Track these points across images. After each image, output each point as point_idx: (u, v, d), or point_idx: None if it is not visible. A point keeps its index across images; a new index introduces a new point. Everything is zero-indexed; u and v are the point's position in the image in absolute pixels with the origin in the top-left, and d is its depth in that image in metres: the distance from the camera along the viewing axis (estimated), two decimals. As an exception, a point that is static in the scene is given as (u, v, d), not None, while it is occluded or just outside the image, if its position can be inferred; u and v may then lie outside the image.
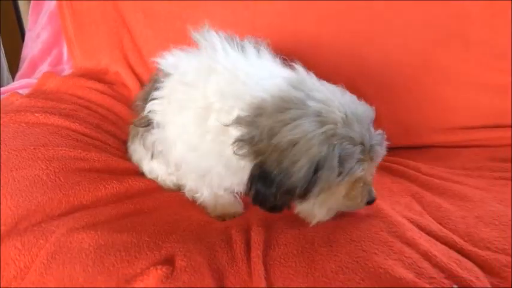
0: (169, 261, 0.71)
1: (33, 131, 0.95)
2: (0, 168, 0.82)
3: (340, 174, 0.73)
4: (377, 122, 1.31)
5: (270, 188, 0.73)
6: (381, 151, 0.80)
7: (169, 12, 1.44)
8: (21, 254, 0.72)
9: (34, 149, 0.89)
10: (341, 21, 1.35)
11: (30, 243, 0.73)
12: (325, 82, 0.82)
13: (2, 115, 0.97)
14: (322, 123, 0.72)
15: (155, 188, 1.02)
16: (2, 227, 0.72)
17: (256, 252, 0.72)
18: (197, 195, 0.94)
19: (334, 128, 0.72)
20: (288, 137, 0.71)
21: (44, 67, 1.48)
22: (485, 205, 0.90)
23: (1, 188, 0.77)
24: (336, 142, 0.72)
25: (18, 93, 1.13)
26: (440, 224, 0.84)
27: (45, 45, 1.49)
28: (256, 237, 0.77)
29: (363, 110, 0.78)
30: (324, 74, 0.85)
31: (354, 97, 0.80)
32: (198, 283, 0.66)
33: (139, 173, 1.05)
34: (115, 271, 0.70)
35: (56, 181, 0.85)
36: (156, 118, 0.91)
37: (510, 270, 0.70)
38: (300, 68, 0.83)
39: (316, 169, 0.71)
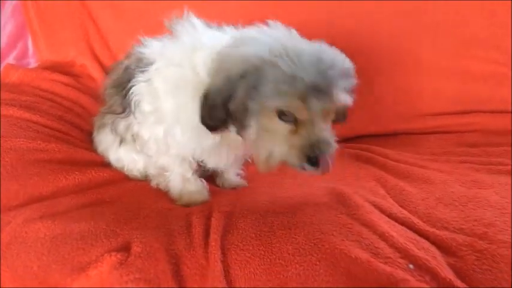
0: (125, 248, 0.70)
1: (-11, 123, 0.93)
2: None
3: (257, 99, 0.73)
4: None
5: (206, 107, 0.76)
6: (335, 97, 0.73)
7: (136, 3, 1.42)
8: (-25, 245, 0.70)
9: (-10, 140, 0.87)
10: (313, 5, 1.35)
11: (-16, 234, 0.71)
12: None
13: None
14: (257, 52, 0.74)
15: (120, 178, 1.01)
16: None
17: (214, 237, 0.71)
18: (166, 173, 0.94)
19: (263, 56, 0.73)
20: (227, 64, 0.76)
21: (10, 61, 1.45)
22: (447, 187, 0.91)
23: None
24: (260, 65, 0.72)
25: (-22, 85, 1.11)
26: (401, 206, 0.84)
27: (10, 38, 1.47)
28: (216, 222, 0.76)
29: (319, 53, 0.75)
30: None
31: (324, 48, 0.78)
32: (152, 268, 0.66)
33: (104, 164, 1.04)
34: (70, 259, 0.69)
35: (12, 172, 0.84)
36: (142, 101, 0.89)
37: (467, 249, 0.70)
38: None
39: (234, 87, 0.74)
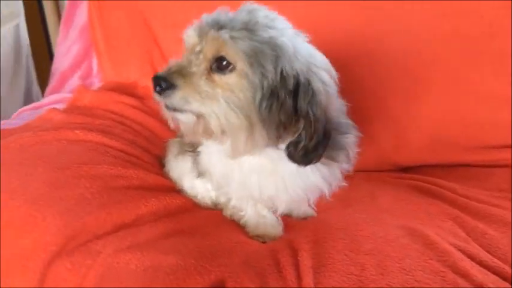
0: (219, 287, 0.70)
1: (74, 149, 0.96)
2: (47, 186, 0.81)
3: None
4: (403, 137, 1.33)
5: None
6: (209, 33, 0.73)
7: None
8: (71, 274, 0.71)
9: (77, 167, 0.89)
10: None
11: (79, 263, 0.73)
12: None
13: (43, 132, 0.97)
14: None
15: (192, 205, 1.01)
16: (53, 247, 0.72)
17: (307, 280, 0.71)
18: (241, 213, 0.94)
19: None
20: None
21: (74, 80, 1.49)
22: (530, 232, 0.89)
23: (50, 207, 0.77)
24: None
25: (56, 108, 1.14)
26: (488, 252, 0.82)
27: (75, 59, 1.51)
28: (304, 262, 0.76)
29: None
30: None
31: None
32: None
33: (175, 190, 1.05)
34: (166, 295, 0.69)
35: (99, 200, 0.85)
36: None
37: None
38: None
39: None
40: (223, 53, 0.71)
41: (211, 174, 0.92)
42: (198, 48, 0.73)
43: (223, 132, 0.74)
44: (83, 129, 1.05)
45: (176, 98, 0.72)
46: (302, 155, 0.75)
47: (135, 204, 0.90)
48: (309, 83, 0.72)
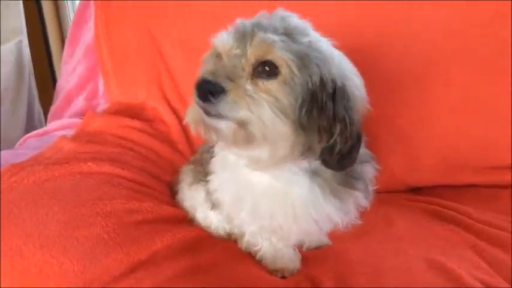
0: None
1: (88, 183, 0.93)
2: (63, 227, 0.79)
3: None
4: (414, 157, 1.31)
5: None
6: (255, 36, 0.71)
7: (207, 46, 1.42)
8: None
9: (92, 204, 0.86)
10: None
11: (100, 312, 0.70)
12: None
13: (55, 166, 0.95)
14: None
15: (207, 236, 0.99)
16: (73, 295, 0.70)
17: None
18: (256, 248, 0.92)
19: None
20: None
21: (79, 101, 1.46)
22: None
23: (67, 252, 0.74)
24: None
25: (65, 137, 1.11)
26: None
27: (81, 79, 1.48)
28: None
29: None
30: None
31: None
32: None
33: (187, 220, 1.03)
34: None
35: (116, 239, 0.83)
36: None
37: None
38: None
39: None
40: (269, 57, 0.69)
41: (221, 203, 0.90)
42: (237, 52, 0.71)
43: (265, 139, 0.70)
44: (95, 159, 1.03)
45: (225, 103, 0.67)
46: (338, 159, 0.74)
47: (151, 240, 0.88)
48: (344, 87, 0.72)
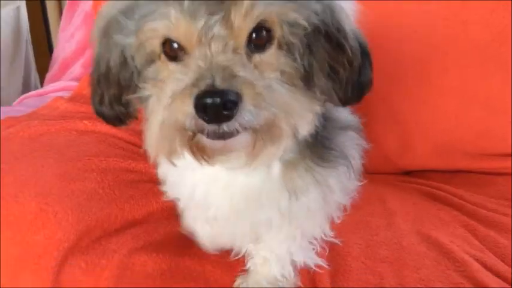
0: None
1: (83, 140, 0.92)
2: (59, 179, 0.78)
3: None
4: (409, 141, 1.32)
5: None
6: None
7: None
8: (85, 274, 0.69)
9: (88, 160, 0.85)
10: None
11: (93, 263, 0.70)
12: None
13: (52, 121, 0.94)
14: None
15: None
16: (66, 244, 0.69)
17: None
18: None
19: None
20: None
21: (76, 68, 1.45)
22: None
23: (62, 202, 0.74)
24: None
25: (62, 97, 1.10)
26: (503, 262, 0.82)
27: (78, 45, 1.46)
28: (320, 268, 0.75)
29: None
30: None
31: None
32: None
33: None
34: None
35: (111, 195, 0.82)
36: None
37: None
38: None
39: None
40: (263, 16, 0.51)
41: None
42: (216, 32, 0.49)
43: (291, 126, 0.54)
44: (91, 119, 1.01)
45: (246, 112, 0.48)
46: (356, 84, 0.58)
47: (146, 200, 0.87)
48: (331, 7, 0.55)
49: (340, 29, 0.55)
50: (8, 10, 1.55)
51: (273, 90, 0.51)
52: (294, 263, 0.75)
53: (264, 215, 0.66)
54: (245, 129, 0.50)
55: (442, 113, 1.34)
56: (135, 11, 0.52)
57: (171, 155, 0.54)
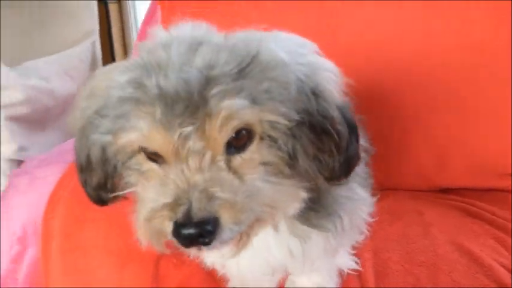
0: None
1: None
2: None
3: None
4: (445, 159, 1.39)
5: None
6: (213, 106, 0.48)
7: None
8: (176, 268, 0.85)
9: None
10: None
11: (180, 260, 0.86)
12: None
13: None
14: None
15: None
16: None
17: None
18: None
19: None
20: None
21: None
22: None
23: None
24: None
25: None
26: (527, 268, 0.92)
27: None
28: (367, 269, 0.88)
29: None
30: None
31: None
32: None
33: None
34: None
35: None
36: None
37: None
38: None
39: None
40: (241, 125, 0.50)
41: None
42: (192, 144, 0.48)
43: (279, 213, 0.57)
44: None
45: (226, 230, 0.49)
46: (342, 161, 0.56)
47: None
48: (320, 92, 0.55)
49: (326, 116, 0.54)
50: (86, 43, 1.74)
51: (256, 192, 0.51)
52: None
53: (278, 263, 0.69)
54: (226, 242, 0.51)
55: (477, 133, 1.39)
56: (109, 111, 0.52)
57: (159, 247, 0.54)
